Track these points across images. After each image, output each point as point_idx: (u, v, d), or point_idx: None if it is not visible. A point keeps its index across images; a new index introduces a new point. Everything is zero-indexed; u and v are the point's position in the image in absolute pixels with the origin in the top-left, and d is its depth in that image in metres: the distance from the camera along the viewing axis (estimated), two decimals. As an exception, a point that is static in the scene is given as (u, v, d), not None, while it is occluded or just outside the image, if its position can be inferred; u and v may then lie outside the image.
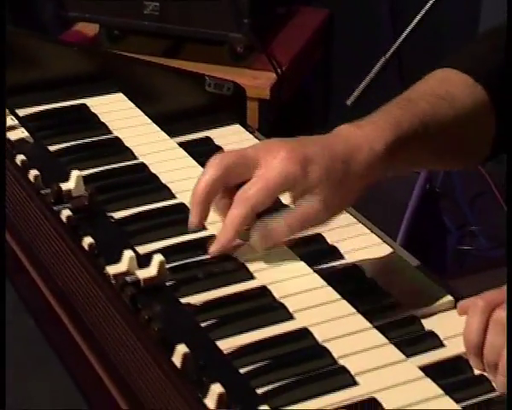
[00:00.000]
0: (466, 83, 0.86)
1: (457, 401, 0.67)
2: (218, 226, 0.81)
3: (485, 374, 0.70)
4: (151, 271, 0.76)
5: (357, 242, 0.85)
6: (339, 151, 0.76)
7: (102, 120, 1.03)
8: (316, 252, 0.84)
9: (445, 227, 1.81)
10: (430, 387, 0.67)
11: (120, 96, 1.07)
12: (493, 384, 0.69)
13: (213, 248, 0.79)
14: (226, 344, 0.71)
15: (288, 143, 0.77)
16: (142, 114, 1.04)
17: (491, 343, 0.68)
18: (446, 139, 0.83)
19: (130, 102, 1.06)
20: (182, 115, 1.06)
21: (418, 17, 1.72)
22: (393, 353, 0.71)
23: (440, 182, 1.81)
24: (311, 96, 2.17)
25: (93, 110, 1.05)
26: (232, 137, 1.04)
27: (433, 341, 0.73)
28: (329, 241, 0.85)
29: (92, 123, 1.03)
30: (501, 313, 0.69)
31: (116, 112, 1.05)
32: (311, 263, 0.81)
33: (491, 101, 0.86)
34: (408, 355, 0.71)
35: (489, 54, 0.90)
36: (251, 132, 1.06)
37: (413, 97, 0.83)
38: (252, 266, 0.80)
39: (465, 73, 0.86)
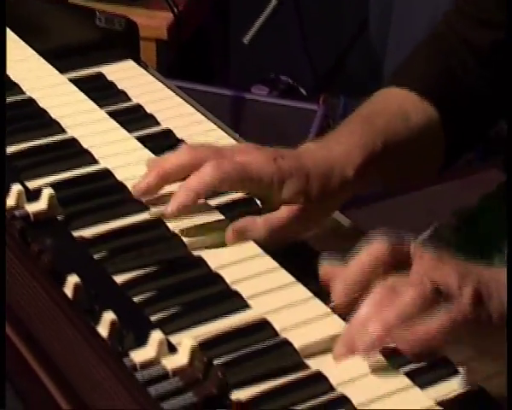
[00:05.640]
0: (414, 100, 0.87)
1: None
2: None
3: None
4: (41, 204, 0.75)
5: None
6: (313, 172, 0.76)
7: (-13, 56, 1.00)
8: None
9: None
10: (319, 307, 0.69)
11: (7, 31, 1.04)
12: None
13: (170, 208, 0.75)
14: (119, 276, 0.71)
15: (266, 149, 0.76)
16: (30, 49, 1.02)
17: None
18: (403, 156, 0.85)
19: (17, 37, 1.03)
20: (72, 51, 1.04)
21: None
22: (285, 276, 0.73)
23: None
24: (210, 35, 2.15)
25: (-22, 46, 1.01)
26: (124, 73, 1.03)
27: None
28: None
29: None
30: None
31: (2, 47, 1.01)
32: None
33: (439, 114, 0.87)
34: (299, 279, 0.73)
35: (427, 66, 0.91)
36: (144, 68, 1.05)
37: (371, 116, 0.84)
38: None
39: (411, 90, 0.87)
